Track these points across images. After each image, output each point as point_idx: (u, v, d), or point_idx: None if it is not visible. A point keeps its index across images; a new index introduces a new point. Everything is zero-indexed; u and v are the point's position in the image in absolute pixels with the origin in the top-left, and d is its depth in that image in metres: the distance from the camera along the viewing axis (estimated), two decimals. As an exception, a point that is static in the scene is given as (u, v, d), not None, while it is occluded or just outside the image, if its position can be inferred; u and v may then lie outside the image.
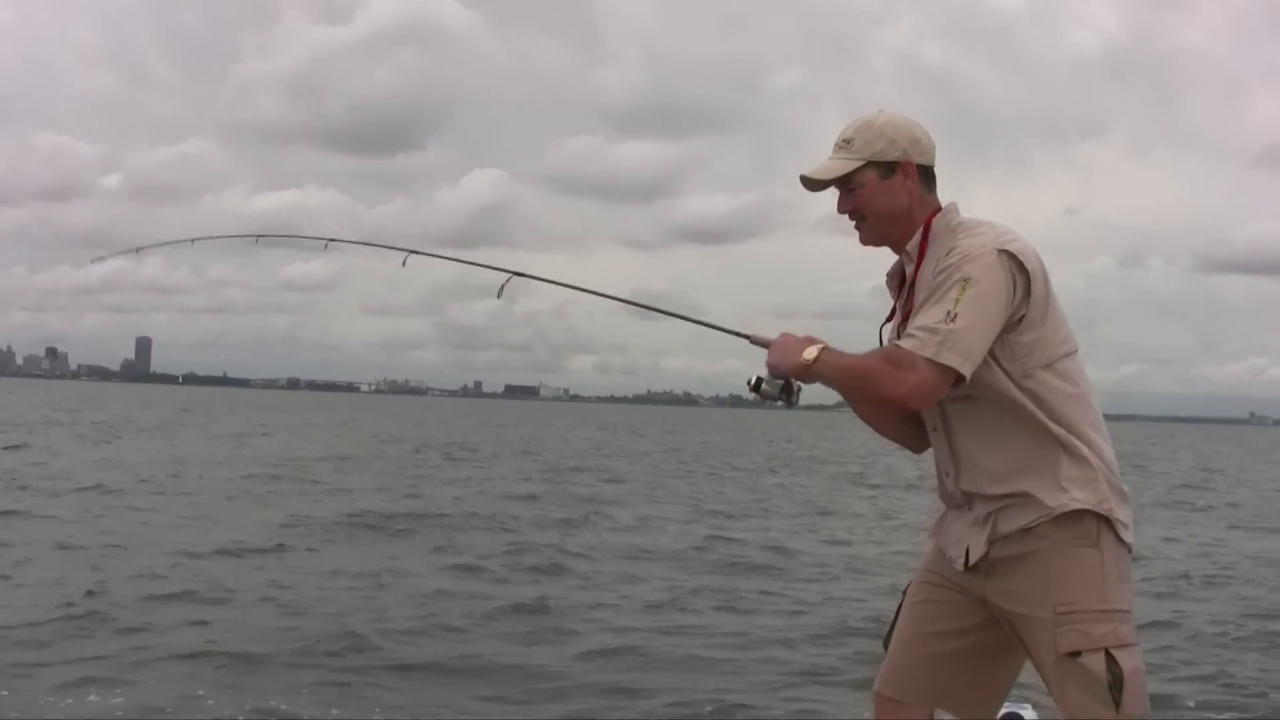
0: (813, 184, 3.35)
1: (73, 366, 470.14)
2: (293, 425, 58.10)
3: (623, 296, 4.08)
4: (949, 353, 3.02)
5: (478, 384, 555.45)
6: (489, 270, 4.12)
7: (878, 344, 3.38)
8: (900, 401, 3.13)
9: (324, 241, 5.05)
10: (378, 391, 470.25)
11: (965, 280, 3.06)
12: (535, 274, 4.16)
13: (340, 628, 9.39)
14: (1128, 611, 3.13)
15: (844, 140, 3.32)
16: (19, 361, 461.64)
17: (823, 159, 3.35)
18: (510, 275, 4.10)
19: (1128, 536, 3.17)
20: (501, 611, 10.49)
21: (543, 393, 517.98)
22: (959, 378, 3.06)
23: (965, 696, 3.43)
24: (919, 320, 3.10)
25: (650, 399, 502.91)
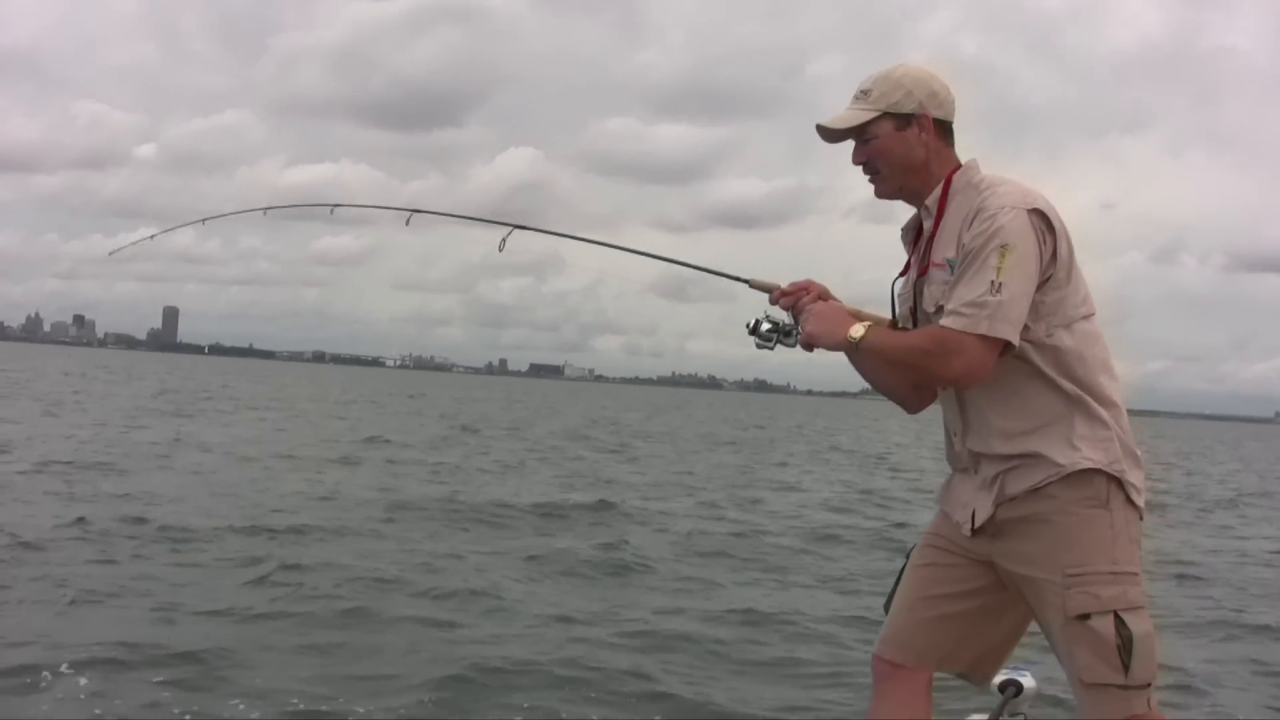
0: (829, 134, 3.32)
1: (100, 334, 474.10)
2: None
3: (610, 242, 3.98)
4: (1001, 324, 2.98)
5: (503, 361, 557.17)
6: (523, 234, 4.03)
7: (890, 298, 3.42)
8: (953, 382, 3.18)
9: (329, 208, 4.96)
10: (402, 367, 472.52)
11: (1004, 247, 3.00)
12: (535, 226, 4.09)
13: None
14: (1137, 574, 3.09)
15: (861, 91, 3.30)
16: (46, 328, 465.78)
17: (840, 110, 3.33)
18: (511, 228, 4.04)
19: (1139, 500, 3.13)
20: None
21: (567, 372, 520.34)
22: (1007, 346, 3.03)
23: (966, 659, 3.41)
24: (962, 293, 3.04)
25: (675, 381, 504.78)
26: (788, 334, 3.36)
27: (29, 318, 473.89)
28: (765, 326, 3.38)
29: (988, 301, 2.98)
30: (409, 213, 4.53)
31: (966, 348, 3.00)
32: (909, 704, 3.37)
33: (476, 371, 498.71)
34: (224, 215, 5.63)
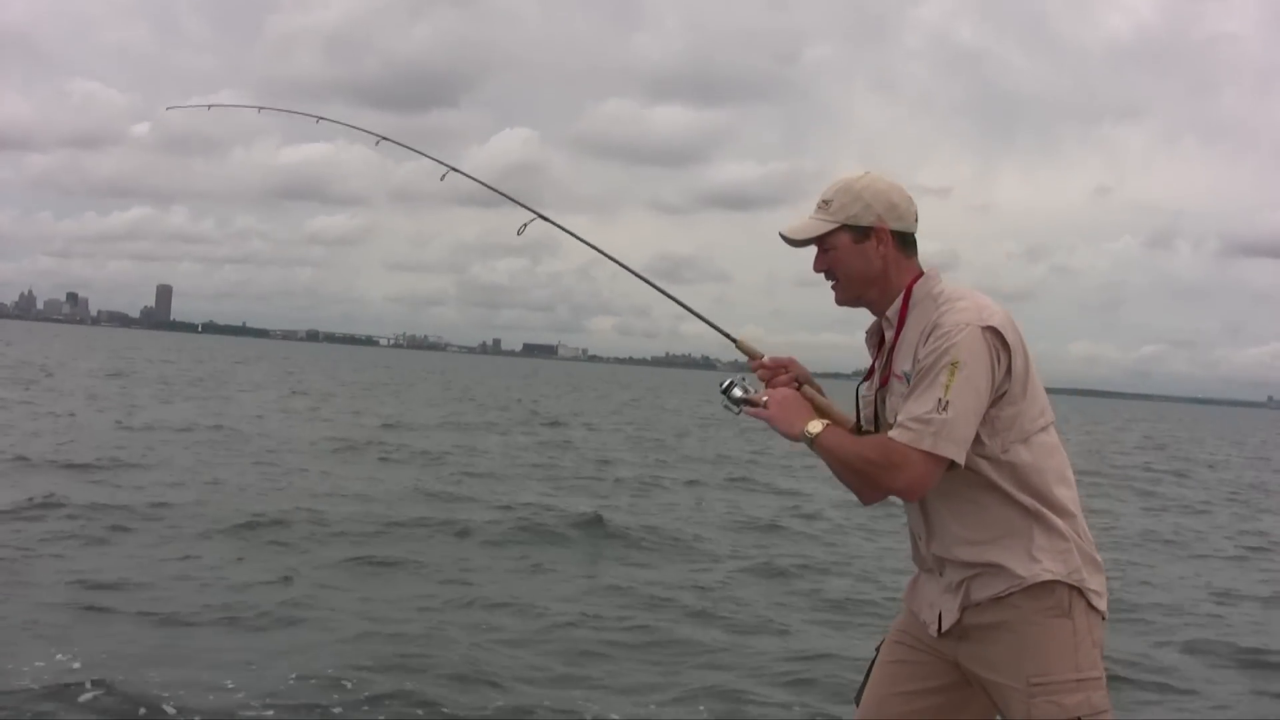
0: (790, 241, 3.35)
1: (93, 312, 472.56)
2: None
3: (637, 270, 4.03)
4: (945, 443, 3.05)
5: (496, 341, 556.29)
6: (515, 216, 4.15)
7: (854, 402, 3.46)
8: (897, 494, 3.19)
9: (377, 139, 5.10)
10: (396, 346, 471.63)
11: (954, 365, 3.06)
12: (557, 223, 4.18)
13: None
14: (1100, 678, 3.15)
15: (823, 200, 3.33)
16: (39, 306, 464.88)
17: (804, 216, 3.38)
18: (535, 217, 4.13)
19: (1101, 605, 3.19)
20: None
21: (561, 352, 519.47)
22: (954, 462, 3.10)
23: None
24: (911, 409, 3.11)
25: (669, 362, 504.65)
26: (754, 405, 3.40)
27: (22, 295, 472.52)
28: (737, 392, 3.44)
29: (933, 419, 3.04)
30: (446, 169, 4.60)
31: (911, 462, 3.07)
32: None
33: (470, 351, 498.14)
34: (281, 110, 5.79)
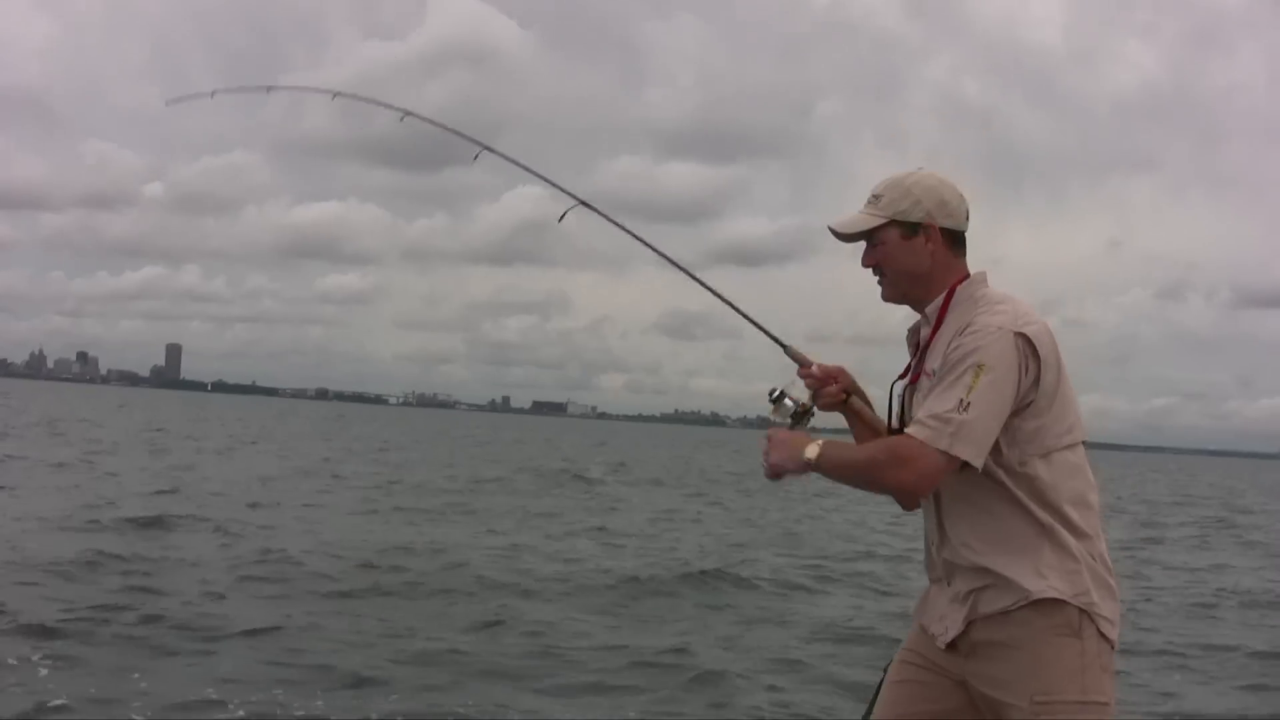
0: (839, 235, 3.32)
1: (103, 371, 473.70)
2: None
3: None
4: (962, 444, 2.97)
5: (505, 399, 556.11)
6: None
7: (887, 402, 3.41)
8: (905, 491, 3.16)
9: (401, 114, 4.79)
10: (405, 404, 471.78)
11: (979, 366, 2.99)
12: (598, 209, 4.11)
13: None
14: (1107, 704, 3.06)
15: (874, 195, 3.29)
16: (50, 365, 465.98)
17: (854, 210, 3.34)
18: (576, 204, 4.09)
19: (1111, 633, 3.10)
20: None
21: (570, 409, 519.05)
22: (967, 464, 3.01)
23: None
24: (931, 405, 3.04)
25: (678, 418, 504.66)
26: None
27: (33, 355, 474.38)
28: (789, 403, 3.41)
29: (952, 418, 2.96)
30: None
31: (922, 460, 2.99)
32: None
33: (480, 409, 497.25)
34: (293, 88, 5.66)
